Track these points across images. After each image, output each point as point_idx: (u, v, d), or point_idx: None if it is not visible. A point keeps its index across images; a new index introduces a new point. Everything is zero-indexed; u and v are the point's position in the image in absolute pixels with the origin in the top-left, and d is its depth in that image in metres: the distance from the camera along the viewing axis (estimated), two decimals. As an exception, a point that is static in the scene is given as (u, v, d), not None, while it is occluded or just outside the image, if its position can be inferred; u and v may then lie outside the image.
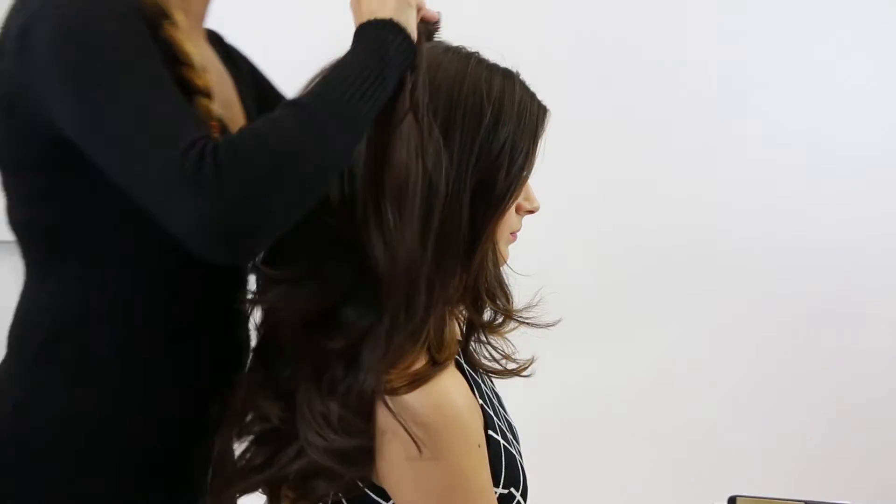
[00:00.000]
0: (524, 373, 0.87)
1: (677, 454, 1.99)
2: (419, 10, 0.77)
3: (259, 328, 0.80)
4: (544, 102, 0.79)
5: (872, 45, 1.93)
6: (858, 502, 1.49)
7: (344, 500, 0.77)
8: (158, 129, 0.64)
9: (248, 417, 0.79)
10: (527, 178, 0.78)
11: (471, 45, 0.80)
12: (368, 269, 0.71)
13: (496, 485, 0.75)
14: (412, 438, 0.68)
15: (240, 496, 0.82)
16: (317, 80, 0.73)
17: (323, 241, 0.73)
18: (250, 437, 0.80)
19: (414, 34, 0.74)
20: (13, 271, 1.73)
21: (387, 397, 0.70)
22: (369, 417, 0.71)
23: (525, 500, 0.80)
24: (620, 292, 1.95)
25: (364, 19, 0.73)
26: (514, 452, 0.80)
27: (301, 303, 0.73)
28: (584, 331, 1.91)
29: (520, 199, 0.79)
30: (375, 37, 0.71)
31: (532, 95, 0.78)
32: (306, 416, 0.72)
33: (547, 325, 0.84)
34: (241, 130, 0.66)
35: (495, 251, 0.79)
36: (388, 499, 0.74)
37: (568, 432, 1.97)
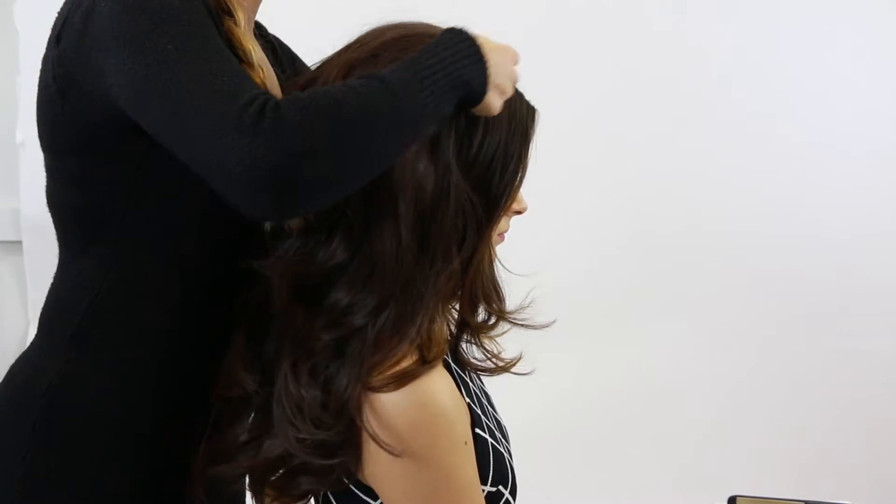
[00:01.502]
0: (519, 371, 0.87)
1: (677, 454, 1.99)
2: (505, 93, 0.75)
3: (251, 296, 0.80)
4: (533, 103, 0.79)
5: (874, 40, 1.93)
6: (858, 502, 1.49)
7: (332, 497, 0.77)
8: (218, 83, 0.65)
9: (231, 385, 0.79)
10: (521, 181, 0.78)
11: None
12: (367, 256, 0.72)
13: (484, 482, 0.75)
14: (381, 446, 0.68)
15: (224, 476, 0.82)
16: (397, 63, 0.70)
17: (335, 214, 0.73)
18: (241, 413, 0.81)
19: (488, 91, 0.72)
20: (13, 271, 1.73)
21: (366, 398, 0.70)
22: (344, 414, 0.71)
23: (514, 498, 0.81)
24: (620, 293, 1.95)
25: (477, 38, 0.72)
26: (502, 451, 0.80)
27: (297, 265, 0.73)
28: (584, 331, 1.91)
29: None
30: (461, 49, 0.70)
31: (520, 96, 0.78)
32: (281, 401, 0.73)
33: (541, 327, 0.84)
34: (311, 90, 0.67)
35: (489, 254, 0.79)
36: (375, 497, 0.74)
37: (568, 432, 1.97)
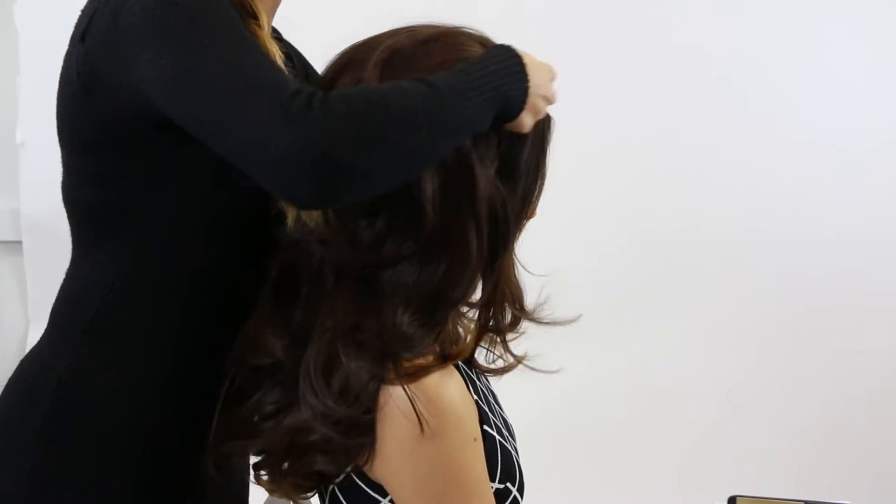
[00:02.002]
0: (537, 368, 0.87)
1: (677, 454, 1.99)
2: (539, 112, 0.77)
3: (280, 259, 0.80)
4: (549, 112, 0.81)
5: (873, 39, 1.93)
6: (858, 502, 1.49)
7: (339, 495, 0.77)
8: (261, 74, 0.66)
9: (257, 349, 0.79)
10: (542, 188, 0.81)
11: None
12: (432, 254, 0.73)
13: (492, 479, 0.76)
14: (419, 419, 0.69)
15: (241, 451, 0.82)
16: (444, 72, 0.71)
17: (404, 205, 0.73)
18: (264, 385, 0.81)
19: (526, 106, 0.74)
20: (13, 271, 1.73)
21: (403, 386, 0.70)
22: (371, 394, 0.71)
23: (522, 496, 0.81)
24: (620, 293, 1.95)
25: (524, 56, 0.74)
26: (509, 448, 0.81)
27: (352, 251, 0.74)
28: (584, 331, 1.91)
29: None
30: (507, 75, 0.72)
31: None
32: (309, 372, 0.73)
33: (566, 322, 0.85)
34: (358, 87, 0.69)
35: (512, 258, 0.81)
36: (383, 494, 0.75)
37: (568, 432, 1.97)
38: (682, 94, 1.90)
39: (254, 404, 0.79)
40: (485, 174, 0.73)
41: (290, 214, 0.77)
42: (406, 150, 0.66)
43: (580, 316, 0.85)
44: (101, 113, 0.76)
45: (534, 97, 0.73)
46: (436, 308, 0.74)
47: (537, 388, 1.87)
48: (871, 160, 1.96)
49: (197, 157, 0.74)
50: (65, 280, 0.86)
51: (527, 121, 0.74)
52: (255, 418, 0.79)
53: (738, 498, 1.27)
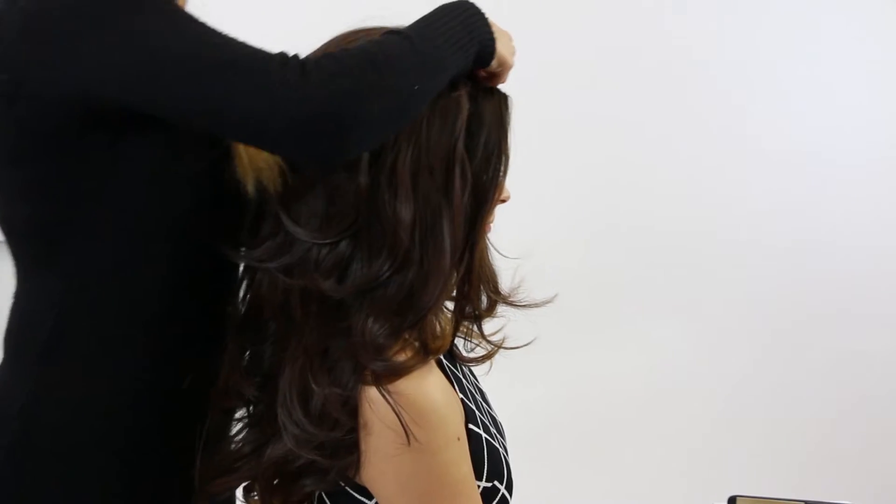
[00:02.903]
0: (509, 347, 0.87)
1: (677, 454, 1.99)
2: (504, 64, 0.78)
3: (242, 301, 0.79)
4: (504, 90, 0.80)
5: (874, 48, 1.93)
6: (858, 502, 1.49)
7: (326, 498, 0.77)
8: (239, 48, 0.66)
9: (230, 395, 0.78)
10: (506, 172, 0.79)
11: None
12: (395, 264, 0.72)
13: (479, 478, 0.75)
14: (403, 427, 0.69)
15: (228, 487, 0.82)
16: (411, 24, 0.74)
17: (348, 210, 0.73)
18: (241, 422, 0.80)
19: (497, 49, 0.76)
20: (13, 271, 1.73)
21: (381, 387, 0.70)
22: (351, 412, 0.71)
23: (510, 494, 0.81)
24: (620, 293, 1.95)
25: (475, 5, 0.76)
26: (497, 446, 0.80)
27: (320, 280, 0.73)
28: (585, 331, 1.91)
29: None
30: (468, 11, 0.74)
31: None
32: (286, 404, 0.72)
33: (541, 304, 0.85)
34: (340, 50, 0.69)
35: (484, 245, 0.81)
36: (370, 497, 0.74)
37: (568, 432, 1.97)
38: (685, 94, 1.90)
39: (232, 445, 0.79)
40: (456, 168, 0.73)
41: (250, 180, 0.76)
42: (402, 93, 0.68)
43: (556, 295, 0.85)
44: (26, 121, 0.70)
45: (500, 44, 0.75)
46: (407, 315, 0.72)
47: (537, 388, 1.88)
48: (873, 160, 1.96)
49: (137, 154, 0.72)
50: (14, 302, 0.80)
51: (502, 68, 0.77)
52: (236, 457, 0.78)
53: (738, 498, 1.26)
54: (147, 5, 0.66)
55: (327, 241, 0.72)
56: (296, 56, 0.67)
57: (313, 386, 0.71)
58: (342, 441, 0.71)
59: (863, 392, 2.00)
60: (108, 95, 0.67)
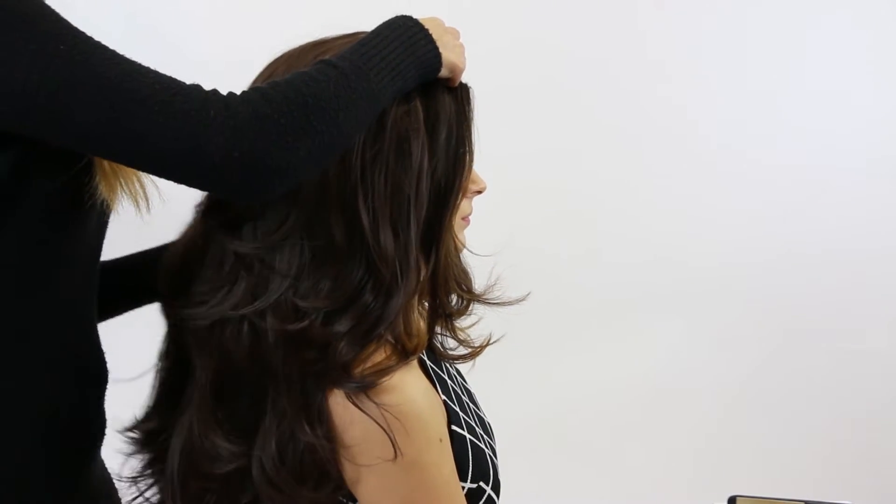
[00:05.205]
0: (479, 344, 0.86)
1: (677, 454, 1.99)
2: (455, 70, 0.77)
3: (205, 363, 0.76)
4: (466, 81, 0.79)
5: (872, 50, 1.93)
6: (858, 502, 1.49)
7: None
8: (151, 79, 0.63)
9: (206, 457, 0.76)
10: (471, 163, 0.78)
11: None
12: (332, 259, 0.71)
13: (464, 479, 0.75)
14: (391, 440, 0.68)
15: None
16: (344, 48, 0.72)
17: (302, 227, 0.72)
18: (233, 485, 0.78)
19: (444, 57, 0.74)
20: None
21: (358, 398, 0.70)
22: (336, 469, 0.70)
23: (497, 495, 0.80)
24: (621, 294, 1.95)
25: (402, 17, 0.74)
26: (483, 447, 0.80)
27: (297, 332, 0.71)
28: (585, 332, 1.92)
29: None
30: (407, 31, 0.72)
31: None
32: (262, 466, 0.71)
33: (514, 302, 0.83)
34: (270, 82, 0.67)
35: (454, 240, 0.79)
36: (353, 499, 0.74)
37: (568, 433, 1.98)
38: (684, 95, 1.90)
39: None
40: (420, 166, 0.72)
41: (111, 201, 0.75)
42: (331, 135, 0.66)
43: (529, 294, 0.84)
44: None
45: (445, 50, 0.74)
46: (373, 331, 0.71)
47: (537, 388, 1.88)
48: (871, 161, 1.96)
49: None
50: None
51: (453, 74, 0.75)
52: None
53: (738, 498, 1.26)
54: (39, 16, 0.62)
55: (309, 277, 0.71)
56: (216, 91, 0.65)
57: (306, 430, 0.70)
58: (328, 501, 0.71)
59: (863, 392, 2.00)
60: None
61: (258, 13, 1.73)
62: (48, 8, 0.64)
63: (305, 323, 0.70)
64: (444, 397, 0.76)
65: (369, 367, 0.70)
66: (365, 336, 0.71)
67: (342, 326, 0.71)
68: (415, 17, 0.74)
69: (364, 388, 0.69)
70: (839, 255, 1.97)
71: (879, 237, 1.97)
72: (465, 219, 0.82)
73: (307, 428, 0.70)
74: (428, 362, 0.80)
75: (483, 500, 0.78)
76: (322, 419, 0.70)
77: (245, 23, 1.71)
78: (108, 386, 0.88)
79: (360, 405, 0.69)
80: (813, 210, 1.96)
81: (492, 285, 0.83)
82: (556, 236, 1.88)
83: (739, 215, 1.94)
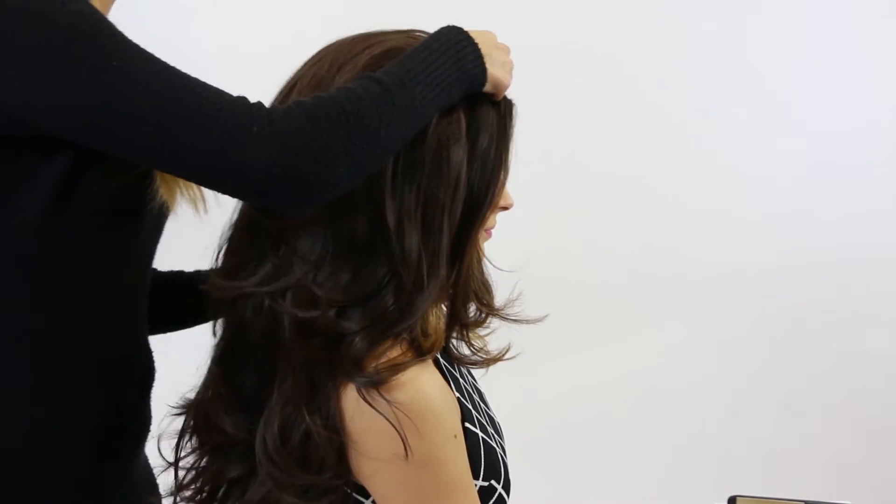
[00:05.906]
0: (508, 357, 0.86)
1: (677, 454, 1.99)
2: (499, 87, 0.76)
3: (224, 330, 0.78)
4: (509, 96, 0.79)
5: (872, 49, 1.93)
6: (858, 502, 1.49)
7: None
8: (198, 93, 0.64)
9: (211, 430, 0.77)
10: (504, 179, 0.78)
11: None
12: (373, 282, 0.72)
13: (476, 477, 0.75)
14: (402, 439, 0.68)
15: None
16: (392, 63, 0.72)
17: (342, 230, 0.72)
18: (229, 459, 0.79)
19: (489, 73, 0.74)
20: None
21: (369, 393, 0.69)
22: (340, 450, 0.70)
23: (508, 494, 0.80)
24: (621, 294, 1.95)
25: (462, 29, 0.73)
26: (494, 446, 0.80)
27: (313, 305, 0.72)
28: (585, 332, 1.92)
29: None
30: (456, 45, 0.72)
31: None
32: (265, 442, 0.72)
33: (533, 321, 0.83)
34: (315, 98, 0.68)
35: (478, 252, 0.80)
36: (366, 495, 0.74)
37: (568, 433, 1.98)
38: (684, 95, 1.90)
39: (215, 479, 0.79)
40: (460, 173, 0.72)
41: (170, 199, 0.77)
42: (371, 152, 0.67)
43: (546, 315, 0.84)
44: None
45: (492, 66, 0.73)
46: (388, 331, 0.72)
47: (538, 388, 1.88)
48: (871, 162, 1.96)
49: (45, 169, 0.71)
50: None
51: (502, 78, 0.74)
52: (219, 495, 0.78)
53: (738, 498, 1.26)
54: (94, 30, 0.64)
55: (329, 267, 0.72)
56: (260, 105, 0.66)
57: (305, 416, 0.70)
58: (329, 485, 0.71)
59: (863, 392, 2.00)
60: (27, 117, 0.66)
61: (258, 13, 1.73)
62: (105, 23, 0.66)
63: (316, 313, 0.71)
64: (457, 394, 0.76)
65: (383, 363, 0.70)
66: (380, 335, 0.71)
67: (354, 324, 0.71)
68: (466, 29, 0.73)
69: (376, 383, 0.68)
70: (840, 254, 1.97)
71: (880, 237, 1.97)
72: (488, 231, 0.82)
73: (307, 415, 0.70)
74: (441, 360, 0.80)
75: (494, 498, 0.78)
76: (326, 409, 0.71)
77: (245, 20, 1.71)
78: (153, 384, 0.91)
79: (371, 402, 0.69)
80: (813, 210, 1.96)
81: (513, 300, 0.83)
82: (556, 236, 1.88)
83: (739, 215, 1.95)
